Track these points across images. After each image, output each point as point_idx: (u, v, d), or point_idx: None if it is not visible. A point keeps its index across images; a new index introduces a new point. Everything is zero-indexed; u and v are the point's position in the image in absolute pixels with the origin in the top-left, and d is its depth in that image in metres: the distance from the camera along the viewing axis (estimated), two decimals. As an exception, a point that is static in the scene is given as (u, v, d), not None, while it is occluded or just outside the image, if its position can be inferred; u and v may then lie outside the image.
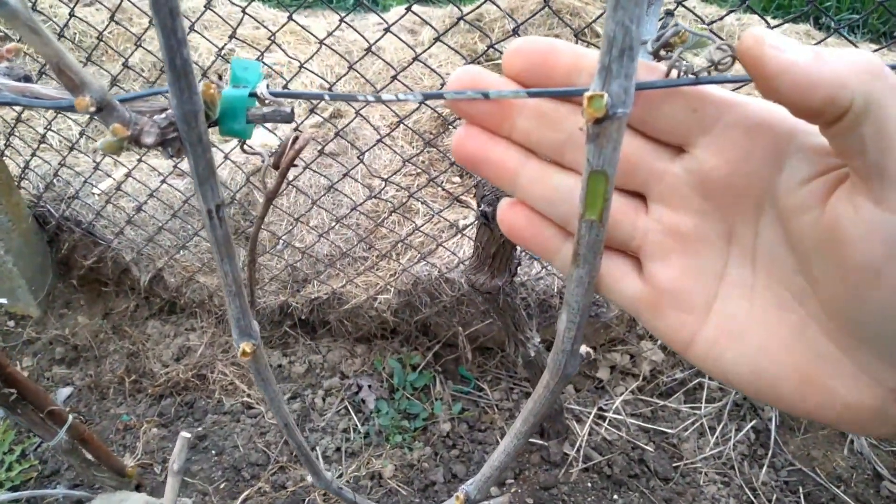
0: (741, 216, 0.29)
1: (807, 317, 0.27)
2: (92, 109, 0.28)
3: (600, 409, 1.75)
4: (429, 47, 1.31)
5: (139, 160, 1.88)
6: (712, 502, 1.55)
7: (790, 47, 0.23)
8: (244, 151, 0.37)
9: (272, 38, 1.37)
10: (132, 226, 1.92)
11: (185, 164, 1.53)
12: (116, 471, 1.39)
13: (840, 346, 0.26)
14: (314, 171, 1.74)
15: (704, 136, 0.28)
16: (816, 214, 0.25)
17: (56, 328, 2.01)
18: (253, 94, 0.33)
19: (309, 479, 0.66)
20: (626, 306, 0.32)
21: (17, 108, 1.85)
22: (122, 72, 1.80)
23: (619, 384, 1.83)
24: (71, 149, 1.90)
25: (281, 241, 1.84)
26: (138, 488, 1.46)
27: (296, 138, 0.37)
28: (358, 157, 1.66)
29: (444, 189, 1.83)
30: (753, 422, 1.71)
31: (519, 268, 1.28)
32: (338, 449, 1.69)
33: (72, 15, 1.58)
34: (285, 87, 1.66)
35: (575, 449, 1.65)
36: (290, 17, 1.31)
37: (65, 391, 1.86)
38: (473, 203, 1.79)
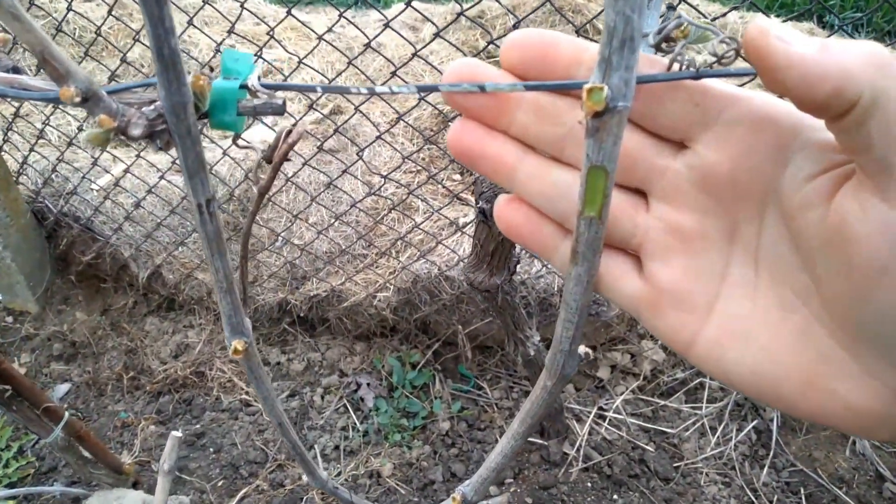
0: (744, 214, 0.28)
1: (810, 317, 0.26)
2: (77, 100, 0.27)
3: (600, 408, 1.75)
4: (428, 43, 1.30)
5: (137, 156, 1.87)
6: (713, 503, 1.55)
7: (796, 39, 0.22)
8: (237, 145, 0.37)
9: (271, 32, 1.36)
10: (131, 222, 1.92)
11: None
12: (113, 468, 1.38)
13: (844, 346, 0.25)
14: (314, 168, 1.73)
15: (707, 131, 0.27)
16: (821, 212, 0.24)
17: (54, 324, 2.00)
18: (244, 86, 0.33)
19: (305, 478, 0.66)
20: (626, 306, 0.32)
21: (16, 103, 1.84)
22: (121, 67, 1.80)
23: (619, 383, 1.82)
24: (69, 144, 1.90)
25: (280, 238, 1.84)
26: (135, 486, 1.46)
27: (289, 132, 0.36)
28: (357, 154, 1.65)
29: (444, 186, 1.82)
30: (755, 422, 1.71)
31: (519, 266, 1.27)
32: (336, 447, 1.69)
33: (69, 9, 1.57)
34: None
35: (575, 448, 1.64)
36: (288, 12, 1.30)
37: (63, 388, 1.85)
38: (473, 200, 1.78)
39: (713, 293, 0.29)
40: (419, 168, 1.97)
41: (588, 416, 1.71)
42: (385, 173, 1.71)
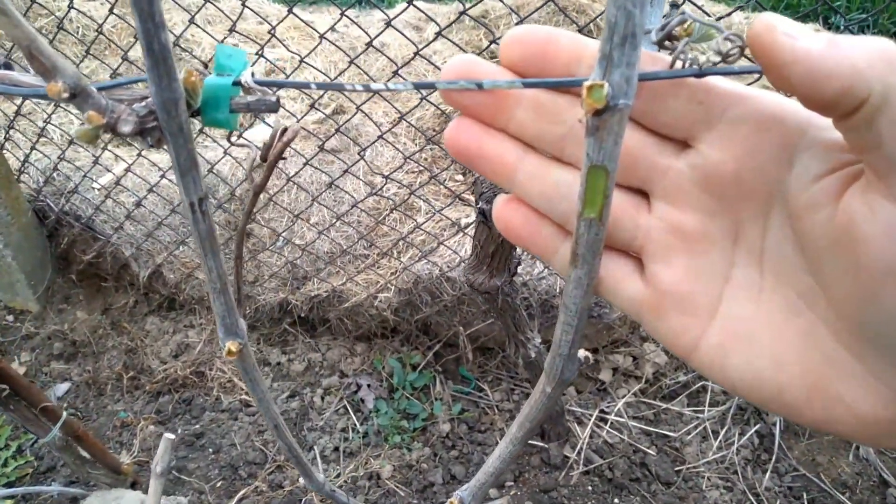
0: (748, 215, 0.27)
1: (816, 320, 0.26)
2: (65, 95, 0.27)
3: (602, 411, 1.74)
4: (430, 42, 1.30)
5: (139, 154, 1.87)
6: (714, 507, 1.54)
7: (804, 34, 0.22)
8: (231, 143, 0.36)
9: (272, 31, 1.36)
10: (132, 221, 1.91)
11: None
12: (112, 468, 1.38)
13: (852, 351, 0.25)
14: (315, 168, 1.73)
15: (710, 130, 0.27)
16: (829, 213, 0.24)
17: (55, 323, 2.00)
18: (237, 83, 0.32)
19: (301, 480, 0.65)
20: (627, 309, 0.31)
21: (17, 101, 1.84)
22: (123, 66, 1.79)
23: (621, 386, 1.81)
24: (70, 143, 1.90)
25: (281, 238, 1.83)
26: (134, 486, 1.45)
27: (284, 131, 0.35)
28: (359, 154, 1.65)
29: (446, 187, 1.82)
30: (757, 426, 1.70)
31: (520, 267, 1.27)
32: (336, 448, 1.68)
33: (71, 7, 1.57)
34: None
35: (576, 451, 1.63)
36: (290, 11, 1.30)
37: (62, 387, 1.85)
38: (474, 201, 1.77)
39: (716, 295, 0.28)
40: (421, 168, 1.96)
41: (589, 419, 1.70)
42: (387, 173, 1.70)
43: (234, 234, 1.84)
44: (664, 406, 1.76)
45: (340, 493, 0.73)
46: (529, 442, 1.66)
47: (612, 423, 1.71)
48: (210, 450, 1.67)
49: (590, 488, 1.57)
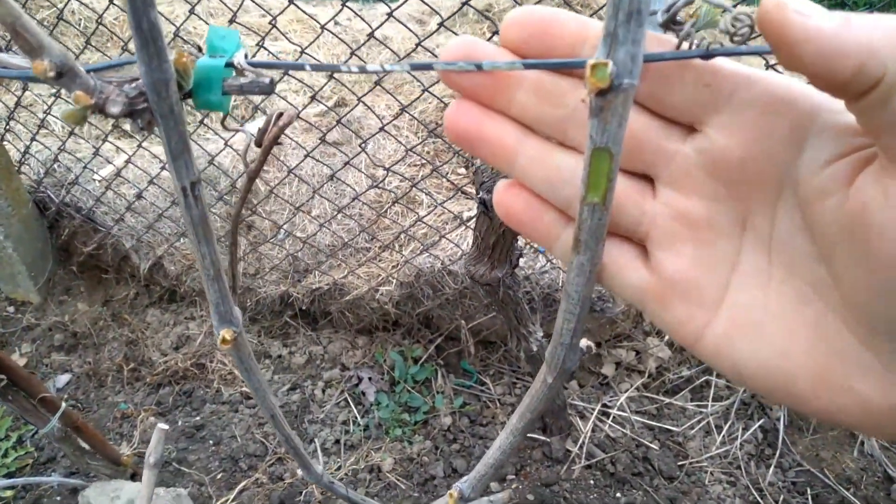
0: (757, 201, 0.26)
1: (826, 309, 0.25)
2: (51, 75, 0.26)
3: (604, 405, 1.73)
4: (432, 33, 1.29)
5: (139, 146, 1.87)
6: (718, 502, 1.53)
7: (816, 12, 0.21)
8: (224, 128, 0.35)
9: (273, 22, 1.35)
10: (132, 212, 1.91)
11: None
12: (111, 459, 1.38)
13: (862, 340, 0.24)
14: (317, 160, 1.72)
15: (718, 113, 0.26)
16: (840, 199, 0.23)
17: (55, 315, 2.00)
18: (230, 64, 0.31)
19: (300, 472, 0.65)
20: (631, 297, 0.30)
21: (18, 92, 1.83)
22: (124, 57, 1.78)
23: (624, 381, 1.80)
24: (71, 134, 1.89)
25: (282, 231, 1.83)
26: (133, 477, 1.45)
27: (279, 115, 0.34)
28: (360, 146, 1.64)
29: (448, 180, 1.81)
30: (761, 421, 1.69)
31: (522, 261, 1.26)
32: (337, 441, 1.68)
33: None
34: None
35: (578, 445, 1.63)
36: (291, 1, 1.29)
37: (63, 378, 1.85)
38: (474, 191, 1.77)
39: (723, 283, 0.27)
40: (423, 161, 1.95)
41: (592, 413, 1.70)
42: (389, 166, 1.70)
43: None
44: (667, 401, 1.75)
45: (339, 485, 0.72)
46: (531, 436, 1.65)
47: (614, 417, 1.70)
48: (210, 442, 1.67)
49: (592, 482, 1.56)
